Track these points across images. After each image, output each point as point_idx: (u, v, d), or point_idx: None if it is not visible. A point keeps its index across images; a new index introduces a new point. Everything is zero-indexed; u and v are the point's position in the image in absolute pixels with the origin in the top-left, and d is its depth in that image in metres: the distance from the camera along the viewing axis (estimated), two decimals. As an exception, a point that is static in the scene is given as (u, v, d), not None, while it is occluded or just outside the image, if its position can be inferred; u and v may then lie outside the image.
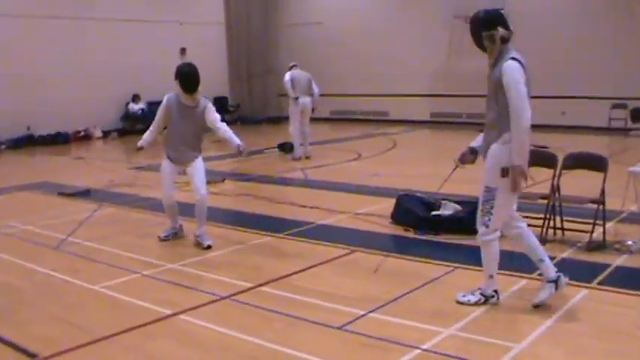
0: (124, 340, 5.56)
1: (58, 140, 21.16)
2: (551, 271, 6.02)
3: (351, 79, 25.31)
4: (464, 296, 6.12)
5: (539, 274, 6.23)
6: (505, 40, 5.71)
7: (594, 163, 8.32)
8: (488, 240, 5.93)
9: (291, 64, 16.77)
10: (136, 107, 22.99)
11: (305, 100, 16.05)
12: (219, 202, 10.51)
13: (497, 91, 5.65)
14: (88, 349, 5.39)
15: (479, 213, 5.91)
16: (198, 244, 8.22)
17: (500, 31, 5.68)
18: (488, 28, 5.69)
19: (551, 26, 20.78)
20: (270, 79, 27.28)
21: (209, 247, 8.13)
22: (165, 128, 8.58)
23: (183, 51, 24.45)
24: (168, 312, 6.12)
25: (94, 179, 13.50)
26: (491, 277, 6.05)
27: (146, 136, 8.69)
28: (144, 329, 5.77)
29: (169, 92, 8.40)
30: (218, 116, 8.36)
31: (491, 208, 5.79)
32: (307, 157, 16.10)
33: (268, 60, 27.59)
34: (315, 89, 16.32)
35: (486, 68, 5.84)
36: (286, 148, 16.86)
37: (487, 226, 5.86)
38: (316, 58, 25.03)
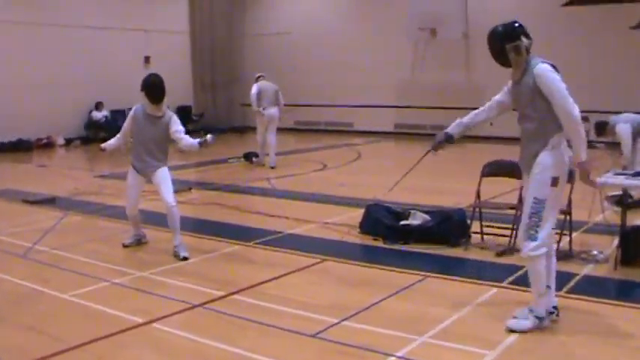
0: (97, 349, 5.52)
1: (20, 148, 20.86)
2: (550, 302, 5.87)
3: (315, 90, 25.38)
4: (517, 323, 5.72)
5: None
6: (528, 51, 5.63)
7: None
8: (537, 255, 5.59)
9: (257, 75, 16.82)
10: (99, 115, 22.81)
11: (271, 110, 16.16)
12: (187, 211, 10.47)
13: (535, 98, 5.53)
14: (60, 359, 5.34)
15: (523, 227, 5.61)
16: (176, 255, 8.16)
17: (524, 40, 5.60)
18: (512, 40, 5.59)
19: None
20: (235, 88, 27.25)
21: (185, 258, 8.07)
22: (132, 138, 8.57)
23: (147, 59, 24.34)
24: (140, 320, 6.08)
25: (58, 187, 13.35)
26: (540, 295, 5.70)
27: (112, 140, 8.83)
28: (116, 338, 5.73)
29: (133, 100, 8.42)
30: (182, 128, 8.37)
31: (540, 220, 5.50)
32: (272, 168, 16.06)
33: (233, 70, 27.55)
34: (281, 100, 16.48)
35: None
36: (251, 157, 16.87)
37: (535, 240, 5.54)
38: (281, 68, 25.07)
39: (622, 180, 7.62)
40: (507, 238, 8.28)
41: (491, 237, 8.61)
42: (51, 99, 21.34)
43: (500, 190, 9.87)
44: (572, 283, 7.03)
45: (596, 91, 19.21)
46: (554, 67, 5.57)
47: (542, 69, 5.49)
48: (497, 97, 6.17)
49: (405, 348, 5.39)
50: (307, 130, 25.76)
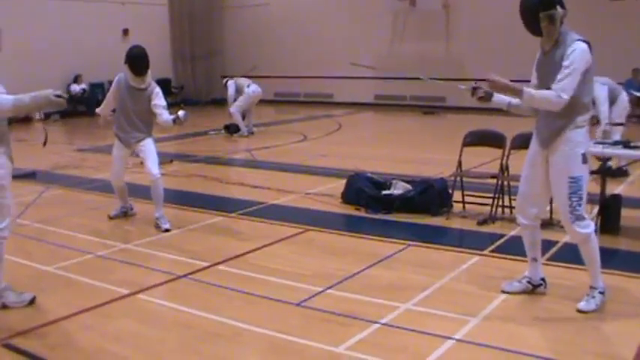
0: (83, 320, 5.54)
1: (-2, 122, 20.66)
2: (538, 274, 5.95)
3: (295, 61, 25.32)
4: (586, 305, 5.57)
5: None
6: (561, 21, 5.37)
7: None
8: (590, 232, 5.47)
9: (225, 80, 17.55)
10: (77, 88, 22.64)
11: (257, 87, 16.80)
12: (170, 183, 10.44)
13: None
14: (46, 330, 5.36)
15: (566, 209, 5.40)
16: (158, 227, 8.18)
17: (560, 10, 5.33)
18: (547, 8, 5.28)
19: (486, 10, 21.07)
20: (215, 60, 27.15)
21: (167, 230, 8.09)
22: (114, 110, 8.56)
23: (125, 32, 24.16)
24: (126, 292, 6.11)
25: (38, 161, 13.25)
26: (600, 272, 5.61)
27: (102, 106, 8.78)
28: (102, 309, 5.76)
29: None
30: (163, 103, 8.28)
31: (580, 199, 5.35)
32: (252, 133, 16.66)
33: (212, 42, 27.42)
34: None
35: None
36: (232, 129, 16.89)
37: (584, 219, 5.41)
38: (260, 39, 25.04)
39: (601, 149, 7.69)
40: (488, 207, 8.35)
41: (473, 206, 8.70)
42: (28, 72, 21.00)
43: (481, 160, 9.95)
44: (553, 251, 7.13)
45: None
46: (589, 46, 5.36)
47: (580, 46, 5.27)
48: (532, 80, 5.81)
49: (389, 315, 5.47)
50: (287, 101, 25.74)
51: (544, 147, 5.53)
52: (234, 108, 16.56)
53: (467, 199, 8.74)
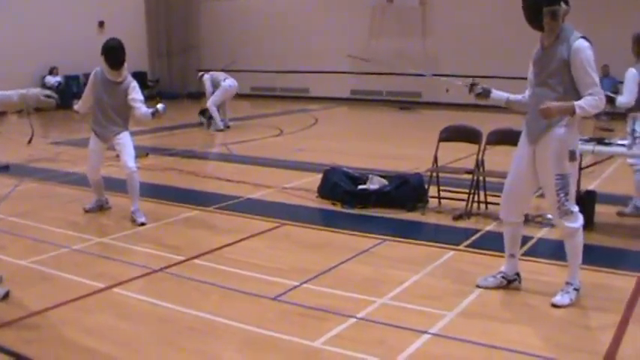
0: (59, 315, 5.51)
1: (-29, 115, 20.46)
2: (514, 268, 6.01)
3: (271, 56, 25.26)
4: (561, 299, 5.63)
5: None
6: (563, 18, 5.37)
7: (517, 138, 8.57)
8: (578, 227, 5.55)
9: (200, 74, 17.53)
10: (52, 80, 22.43)
11: (233, 81, 16.81)
12: (145, 177, 10.39)
13: (564, 70, 5.31)
14: (22, 324, 5.32)
15: (555, 204, 5.49)
16: (133, 220, 8.14)
17: (563, 6, 5.32)
18: (551, 3, 5.27)
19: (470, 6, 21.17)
20: (191, 54, 27.05)
21: (143, 224, 8.06)
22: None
23: (101, 24, 23.99)
24: (102, 285, 6.09)
25: (11, 154, 13.14)
26: (579, 267, 5.71)
27: (79, 103, 8.64)
28: (78, 303, 5.74)
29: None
30: (140, 97, 8.24)
31: (567, 194, 5.42)
32: (228, 127, 16.66)
33: (189, 35, 27.31)
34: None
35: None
36: (207, 114, 16.92)
37: (572, 212, 5.49)
38: (237, 34, 24.97)
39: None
40: (464, 203, 8.40)
41: (448, 201, 8.74)
42: (2, 64, 20.90)
43: (457, 155, 10.00)
44: (527, 246, 7.17)
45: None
46: (590, 43, 5.39)
47: (584, 46, 5.29)
48: (530, 75, 5.77)
49: (365, 309, 5.50)
50: (263, 95, 25.69)
51: (532, 142, 5.58)
52: (211, 101, 16.57)
53: (442, 194, 8.78)
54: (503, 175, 8.41)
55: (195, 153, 13.65)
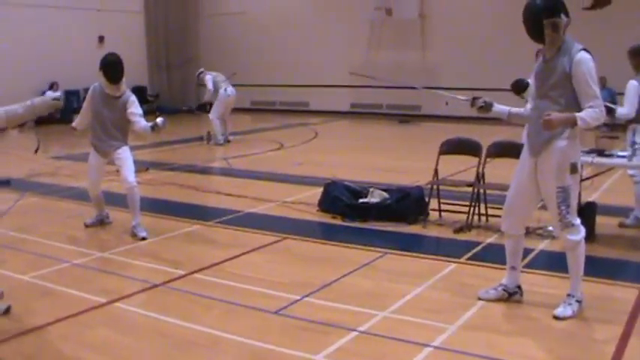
0: (60, 330, 5.51)
1: (-29, 130, 20.41)
2: (516, 281, 5.99)
3: (271, 70, 25.31)
4: (563, 311, 5.62)
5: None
6: (564, 30, 5.37)
7: (518, 151, 8.59)
8: (580, 240, 5.54)
9: (199, 72, 17.40)
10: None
11: (233, 89, 16.67)
12: (146, 191, 10.41)
13: (566, 83, 5.31)
14: (22, 339, 5.31)
15: (556, 217, 5.49)
16: (134, 235, 8.12)
17: (564, 18, 5.32)
18: (551, 15, 5.27)
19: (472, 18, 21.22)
20: (190, 69, 27.06)
21: (144, 238, 8.04)
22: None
23: (101, 39, 24.06)
24: (103, 300, 6.08)
25: (12, 169, 13.19)
26: (580, 279, 5.68)
27: (77, 119, 8.62)
28: (79, 318, 5.73)
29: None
30: (139, 111, 8.23)
31: (569, 207, 5.41)
32: (228, 141, 16.61)
33: (188, 50, 27.38)
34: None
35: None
36: (205, 107, 17.09)
37: (574, 225, 5.48)
38: (237, 48, 25.03)
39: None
40: (465, 215, 8.40)
41: (449, 214, 8.74)
42: (3, 79, 20.94)
43: (457, 168, 10.01)
44: (529, 259, 7.16)
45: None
46: (591, 55, 5.37)
47: (585, 58, 5.29)
48: (531, 87, 5.81)
49: (367, 323, 5.49)
50: (262, 109, 25.74)
51: (534, 155, 5.57)
52: (213, 114, 16.49)
53: (443, 207, 8.78)
54: (504, 188, 8.44)
55: (196, 167, 13.65)
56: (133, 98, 8.26)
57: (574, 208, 5.51)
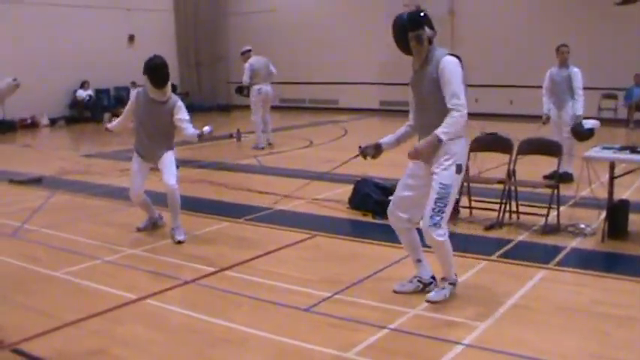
0: (92, 326, 5.55)
1: (4, 128, 20.60)
2: (428, 271, 6.14)
3: (300, 67, 25.31)
4: (436, 294, 5.86)
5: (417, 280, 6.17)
6: (430, 41, 5.66)
7: (549, 148, 8.56)
8: (444, 240, 5.71)
9: (244, 49, 16.37)
10: (83, 94, 22.68)
11: (267, 88, 15.87)
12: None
13: (437, 88, 5.55)
14: (54, 335, 5.36)
15: (429, 212, 5.61)
16: (172, 237, 7.99)
17: (427, 31, 5.62)
18: (414, 29, 5.57)
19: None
20: (220, 66, 27.21)
21: (180, 242, 7.87)
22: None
23: (131, 38, 24.23)
24: (134, 297, 6.11)
25: (44, 167, 13.30)
26: (452, 265, 5.93)
27: (115, 122, 8.49)
28: (111, 314, 5.76)
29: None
30: (187, 117, 7.99)
31: (444, 206, 5.58)
32: (270, 144, 16.00)
33: (218, 48, 27.46)
34: (273, 71, 16.21)
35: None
36: (243, 90, 16.09)
37: (441, 226, 5.63)
38: (266, 45, 24.96)
39: (609, 154, 7.71)
40: (495, 213, 8.33)
41: (480, 211, 8.67)
42: (34, 79, 21.02)
43: (487, 165, 9.92)
44: (560, 256, 7.12)
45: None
46: (459, 60, 5.64)
47: (449, 60, 5.55)
48: (410, 99, 6.07)
49: (398, 320, 5.47)
50: (292, 107, 25.76)
51: (427, 161, 5.73)
52: (255, 116, 15.86)
53: (474, 204, 8.71)
54: (536, 185, 8.44)
55: (226, 165, 13.67)
56: (180, 103, 8.02)
57: (449, 209, 5.67)
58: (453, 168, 5.60)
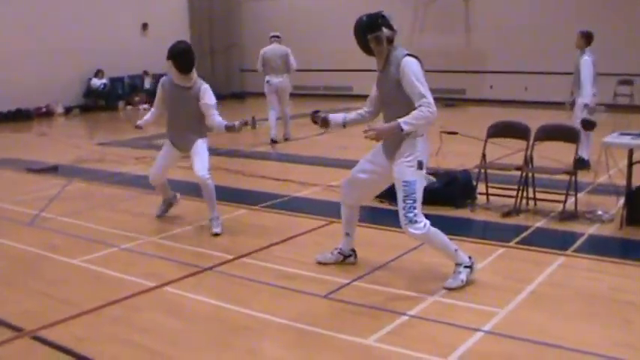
0: (111, 313, 5.57)
1: (19, 117, 20.66)
2: (350, 245, 6.55)
3: (314, 54, 25.21)
4: (453, 281, 5.86)
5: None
6: (390, 41, 5.78)
7: (566, 134, 8.51)
8: (425, 232, 5.74)
9: (270, 35, 15.62)
10: (98, 82, 22.68)
11: (277, 80, 14.87)
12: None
13: (399, 87, 5.63)
14: (74, 322, 5.39)
15: (401, 212, 5.72)
16: (210, 228, 7.81)
17: (385, 31, 5.74)
18: (372, 31, 5.73)
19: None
20: (234, 54, 27.15)
21: (216, 234, 7.65)
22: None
23: (145, 26, 24.21)
24: (153, 284, 6.13)
25: (60, 155, 13.33)
26: (456, 250, 5.94)
27: (147, 116, 8.26)
28: (129, 302, 5.79)
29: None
30: (213, 102, 7.80)
31: (413, 202, 5.66)
32: (286, 139, 15.09)
33: (231, 35, 27.38)
34: (292, 65, 15.22)
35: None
36: None
37: (417, 221, 5.69)
38: (280, 32, 24.98)
39: (628, 140, 7.65)
40: (512, 199, 8.29)
41: (497, 198, 8.63)
42: (49, 67, 21.16)
43: (502, 151, 9.89)
44: (578, 243, 7.09)
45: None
46: (418, 60, 5.72)
47: (408, 62, 5.62)
48: (372, 93, 6.23)
49: (418, 307, 5.46)
50: (306, 94, 25.68)
51: (388, 157, 5.87)
52: (269, 107, 15.00)
53: (491, 190, 8.67)
54: (554, 172, 8.38)
55: (241, 152, 13.66)
56: (206, 87, 7.82)
57: (419, 203, 5.73)
58: (415, 164, 5.68)
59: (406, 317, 5.28)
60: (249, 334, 5.12)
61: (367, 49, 5.83)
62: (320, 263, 6.54)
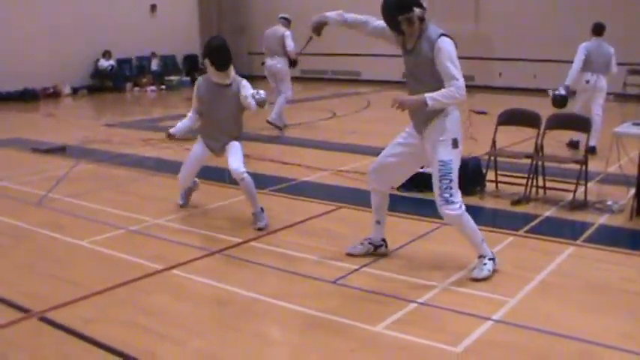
0: (118, 295, 5.55)
1: (26, 97, 20.62)
2: (381, 234, 6.39)
3: (323, 38, 25.11)
4: (479, 272, 5.77)
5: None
6: (422, 20, 5.58)
7: (577, 123, 8.46)
8: (460, 213, 5.66)
9: (279, 16, 15.45)
10: (105, 64, 22.62)
11: (270, 62, 14.49)
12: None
13: (429, 66, 5.51)
14: (82, 304, 5.37)
15: (437, 191, 5.60)
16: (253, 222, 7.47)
17: (417, 11, 5.52)
18: (403, 12, 5.50)
19: None
20: (242, 37, 27.04)
21: (260, 229, 7.24)
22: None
23: (153, 7, 24.09)
24: (160, 267, 6.11)
25: (67, 136, 13.30)
26: (483, 241, 5.86)
27: (181, 123, 7.84)
28: (137, 284, 5.76)
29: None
30: (250, 91, 7.40)
31: (450, 181, 5.56)
32: (268, 122, 13.92)
33: (240, 17, 27.27)
34: (289, 47, 14.64)
35: (408, 45, 5.65)
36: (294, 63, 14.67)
37: (453, 202, 5.60)
38: (289, 15, 24.88)
39: (639, 130, 7.60)
40: (521, 188, 8.25)
41: (506, 186, 8.58)
42: (56, 48, 21.10)
43: (511, 139, 9.84)
44: (588, 233, 7.05)
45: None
46: (453, 41, 5.60)
47: (444, 41, 5.50)
48: (383, 25, 5.90)
49: (426, 294, 5.42)
50: (314, 78, 25.61)
51: (418, 132, 5.79)
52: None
53: (500, 178, 8.63)
54: (564, 160, 8.34)
55: (249, 135, 13.55)
56: (245, 82, 7.51)
57: (455, 183, 5.62)
58: (450, 143, 5.59)
59: (415, 305, 5.24)
60: (257, 318, 5.09)
61: (397, 30, 5.65)
62: (350, 255, 6.32)
